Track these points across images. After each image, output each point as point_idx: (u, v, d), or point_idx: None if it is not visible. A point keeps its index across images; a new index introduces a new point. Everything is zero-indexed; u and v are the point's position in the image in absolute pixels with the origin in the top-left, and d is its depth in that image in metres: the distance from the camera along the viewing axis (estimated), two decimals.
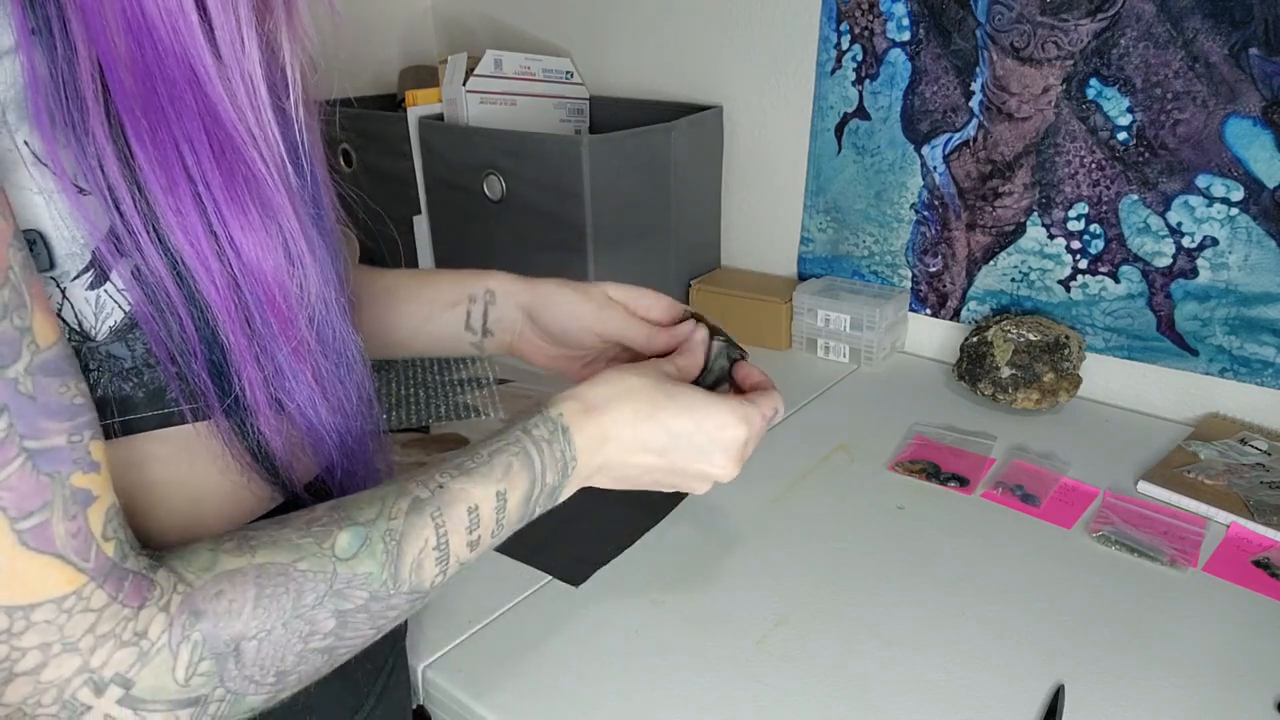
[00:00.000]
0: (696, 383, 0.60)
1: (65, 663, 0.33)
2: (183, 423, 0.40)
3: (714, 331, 0.65)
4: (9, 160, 0.33)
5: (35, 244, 0.35)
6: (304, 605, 0.38)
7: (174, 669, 0.35)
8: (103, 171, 0.35)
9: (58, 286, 0.36)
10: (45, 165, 0.34)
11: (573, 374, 0.68)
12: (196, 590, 0.36)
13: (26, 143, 0.34)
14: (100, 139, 0.35)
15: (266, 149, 0.40)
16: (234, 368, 0.40)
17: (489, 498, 0.46)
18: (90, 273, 0.36)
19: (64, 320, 0.37)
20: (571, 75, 1.32)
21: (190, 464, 0.42)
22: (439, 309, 0.67)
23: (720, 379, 0.63)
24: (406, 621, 0.63)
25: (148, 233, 0.37)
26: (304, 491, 0.46)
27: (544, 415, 0.50)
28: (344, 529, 0.41)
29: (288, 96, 0.41)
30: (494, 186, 1.13)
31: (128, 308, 0.38)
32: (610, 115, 1.32)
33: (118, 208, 0.36)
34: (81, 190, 0.35)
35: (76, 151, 0.35)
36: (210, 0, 0.37)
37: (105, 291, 0.37)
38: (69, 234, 0.36)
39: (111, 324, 0.38)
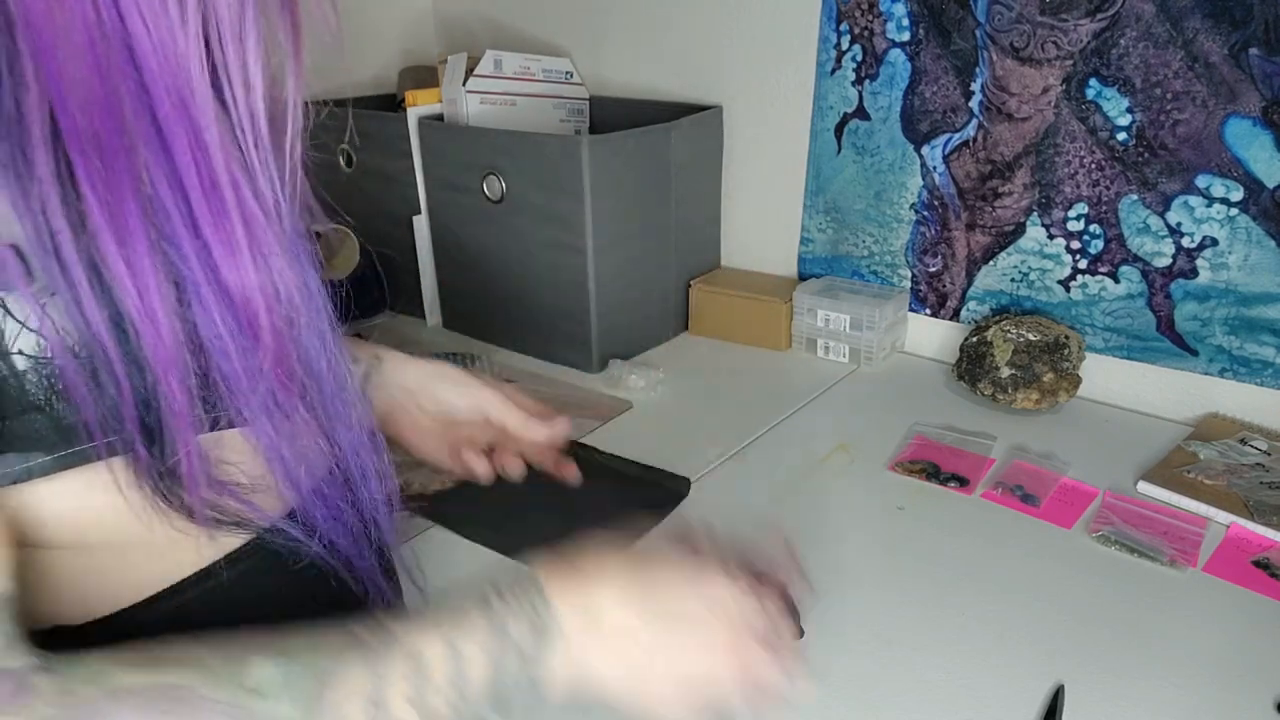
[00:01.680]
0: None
1: None
2: (98, 459, 0.37)
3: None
4: None
5: (10, 258, 0.33)
6: None
7: None
8: (40, 205, 0.33)
9: (37, 302, 0.35)
10: None
11: (435, 453, 0.68)
12: (84, 703, 0.33)
13: None
14: (41, 172, 0.33)
15: (267, 179, 0.38)
16: (169, 433, 0.37)
17: (438, 651, 0.40)
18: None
19: (44, 338, 0.35)
20: (571, 75, 1.32)
21: (108, 507, 0.38)
22: None
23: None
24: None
25: (84, 275, 0.34)
26: (280, 526, 0.44)
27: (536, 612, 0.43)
28: (265, 660, 0.37)
29: (285, 131, 0.40)
30: (494, 186, 1.13)
31: (40, 343, 0.35)
32: (610, 115, 1.32)
33: (50, 243, 0.33)
34: (19, 216, 0.33)
35: (10, 178, 0.33)
36: (215, 36, 0.35)
37: (12, 316, 0.34)
38: None
39: (23, 348, 0.35)
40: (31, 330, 0.35)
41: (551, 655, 0.42)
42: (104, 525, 0.39)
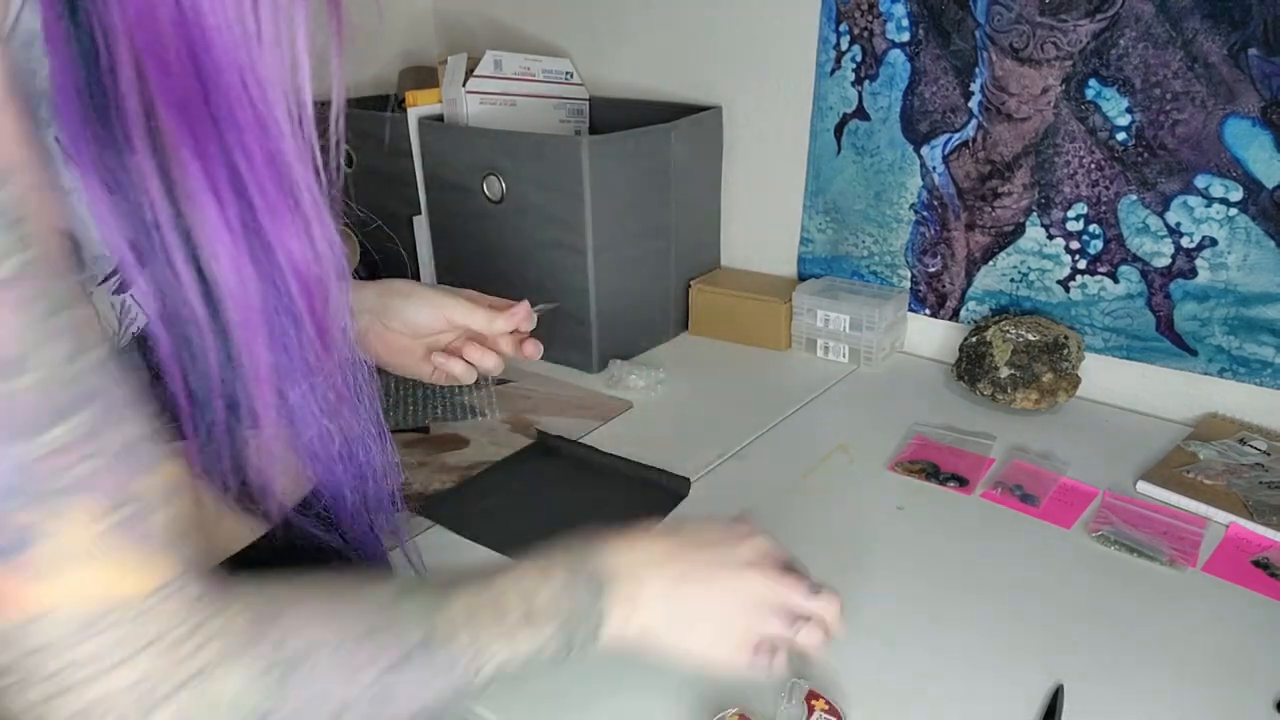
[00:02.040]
0: None
1: (122, 675, 0.31)
2: (183, 439, 0.39)
3: None
4: (50, 153, 0.33)
5: (64, 245, 0.34)
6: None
7: (231, 695, 0.33)
8: (137, 178, 0.34)
9: (84, 290, 0.35)
10: (73, 161, 0.33)
11: (414, 366, 0.72)
12: (263, 615, 0.35)
13: (57, 139, 0.33)
14: (138, 144, 0.34)
15: (311, 161, 0.39)
16: (251, 391, 0.39)
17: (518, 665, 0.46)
18: (116, 277, 0.35)
19: None
20: (571, 75, 1.32)
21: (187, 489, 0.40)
22: None
23: None
24: None
25: (178, 244, 0.36)
26: (296, 517, 0.45)
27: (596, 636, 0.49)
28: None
29: (326, 103, 0.41)
30: (494, 186, 1.13)
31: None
32: (610, 115, 1.32)
33: (148, 214, 0.35)
34: (109, 191, 0.34)
35: (107, 152, 0.34)
36: (269, 21, 0.36)
37: (131, 297, 0.36)
38: (97, 235, 0.35)
39: (135, 330, 0.37)
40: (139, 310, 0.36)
41: (608, 619, 0.49)
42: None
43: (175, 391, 0.38)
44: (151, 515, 0.32)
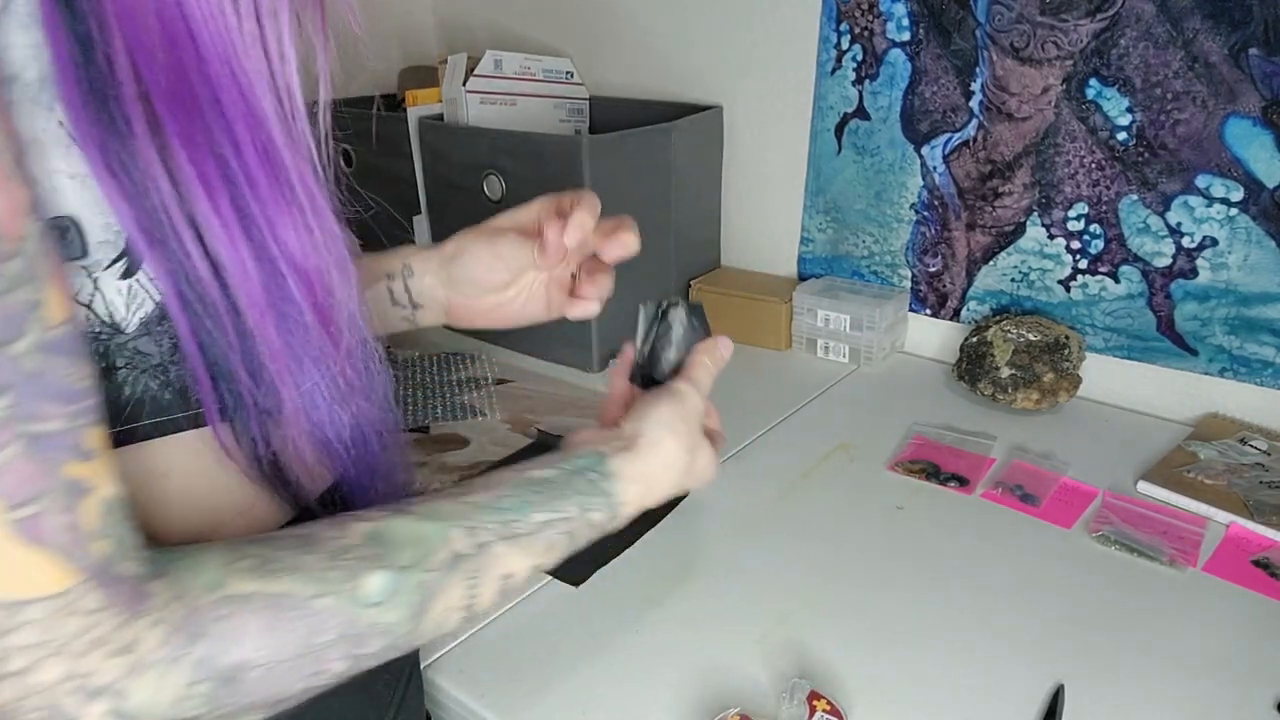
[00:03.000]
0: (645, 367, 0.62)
1: (53, 667, 0.31)
2: (205, 424, 0.39)
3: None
4: (41, 142, 0.33)
5: (68, 231, 0.34)
6: (316, 644, 0.36)
7: (167, 687, 0.33)
8: (143, 162, 0.34)
9: (89, 276, 0.35)
10: (76, 145, 0.33)
11: (511, 319, 0.68)
12: (200, 609, 0.34)
13: (61, 122, 0.33)
14: (138, 129, 0.34)
15: (305, 153, 0.39)
16: (269, 370, 0.39)
17: (524, 569, 0.44)
18: (123, 261, 0.35)
19: (94, 312, 0.36)
20: (571, 75, 1.32)
21: (208, 471, 0.40)
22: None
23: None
24: None
25: (185, 225, 0.36)
26: (317, 505, 0.45)
27: (607, 498, 0.49)
28: (376, 572, 0.38)
29: (317, 101, 0.41)
30: (494, 186, 1.13)
31: (158, 298, 0.37)
32: (610, 115, 1.32)
33: (154, 198, 0.35)
34: (114, 175, 0.34)
35: (110, 136, 0.34)
36: (252, 14, 0.36)
37: (137, 281, 0.36)
38: (101, 220, 0.34)
39: (142, 315, 0.36)
40: (150, 278, 0.36)
41: (613, 508, 0.50)
42: (205, 488, 0.41)
43: (196, 371, 0.38)
44: (60, 515, 0.31)
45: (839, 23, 1.12)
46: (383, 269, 0.65)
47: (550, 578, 0.75)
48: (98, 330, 0.36)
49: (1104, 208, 1.00)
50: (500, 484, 0.46)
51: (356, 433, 0.45)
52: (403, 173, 1.23)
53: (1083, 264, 1.03)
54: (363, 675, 0.40)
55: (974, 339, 1.05)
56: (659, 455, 0.52)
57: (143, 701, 0.33)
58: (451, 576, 0.41)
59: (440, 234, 1.24)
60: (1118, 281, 1.01)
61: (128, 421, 0.37)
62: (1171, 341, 1.00)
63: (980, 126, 1.05)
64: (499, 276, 0.64)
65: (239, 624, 0.34)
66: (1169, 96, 0.92)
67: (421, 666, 0.66)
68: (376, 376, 0.46)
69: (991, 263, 1.10)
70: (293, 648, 0.36)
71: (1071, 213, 1.02)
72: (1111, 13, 0.92)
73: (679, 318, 0.59)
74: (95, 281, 0.35)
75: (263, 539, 0.38)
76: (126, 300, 0.36)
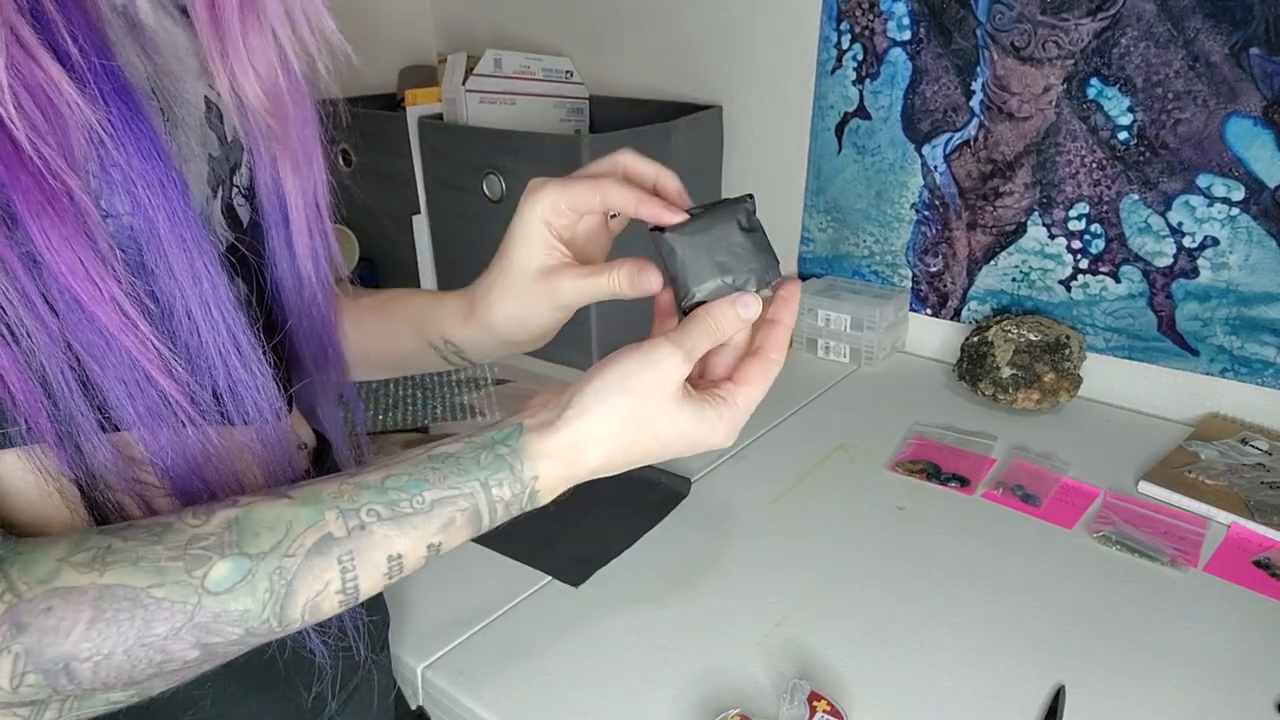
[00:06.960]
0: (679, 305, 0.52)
1: None
2: (23, 442, 0.38)
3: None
4: None
5: None
6: (155, 634, 0.35)
7: (2, 675, 0.33)
8: None
9: None
10: None
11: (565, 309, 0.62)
12: (23, 601, 0.34)
13: None
14: None
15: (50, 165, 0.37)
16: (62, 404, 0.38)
17: (417, 550, 0.42)
18: None
19: None
20: (571, 75, 1.32)
21: (35, 491, 0.39)
22: (412, 357, 0.66)
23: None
24: (386, 640, 0.62)
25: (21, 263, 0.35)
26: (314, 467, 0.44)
27: (514, 474, 0.44)
28: (225, 559, 0.37)
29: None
30: (494, 186, 1.13)
31: None
32: (610, 115, 1.32)
33: None
34: None
35: None
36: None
37: None
38: None
39: None
40: None
41: (535, 490, 0.46)
42: (41, 510, 0.40)
43: (15, 398, 0.37)
44: None
45: (839, 22, 1.11)
46: (424, 335, 0.65)
47: (550, 578, 0.75)
48: None
49: (1105, 207, 0.99)
50: (400, 462, 0.43)
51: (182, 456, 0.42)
52: (402, 173, 1.23)
53: (1084, 264, 1.03)
54: (274, 680, 0.40)
55: (975, 339, 1.04)
56: (591, 426, 0.45)
57: None
58: (320, 560, 0.39)
59: (440, 234, 1.24)
60: (1119, 281, 1.01)
61: None
62: (1172, 341, 1.00)
63: (981, 126, 1.05)
64: (543, 324, 0.62)
65: (63, 617, 0.34)
66: (1170, 96, 0.92)
67: (420, 666, 0.66)
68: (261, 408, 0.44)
69: (992, 262, 1.10)
70: (127, 639, 0.35)
71: (1072, 212, 1.02)
72: (1112, 12, 0.92)
73: (666, 247, 0.52)
74: None
75: (117, 528, 0.37)
76: None
